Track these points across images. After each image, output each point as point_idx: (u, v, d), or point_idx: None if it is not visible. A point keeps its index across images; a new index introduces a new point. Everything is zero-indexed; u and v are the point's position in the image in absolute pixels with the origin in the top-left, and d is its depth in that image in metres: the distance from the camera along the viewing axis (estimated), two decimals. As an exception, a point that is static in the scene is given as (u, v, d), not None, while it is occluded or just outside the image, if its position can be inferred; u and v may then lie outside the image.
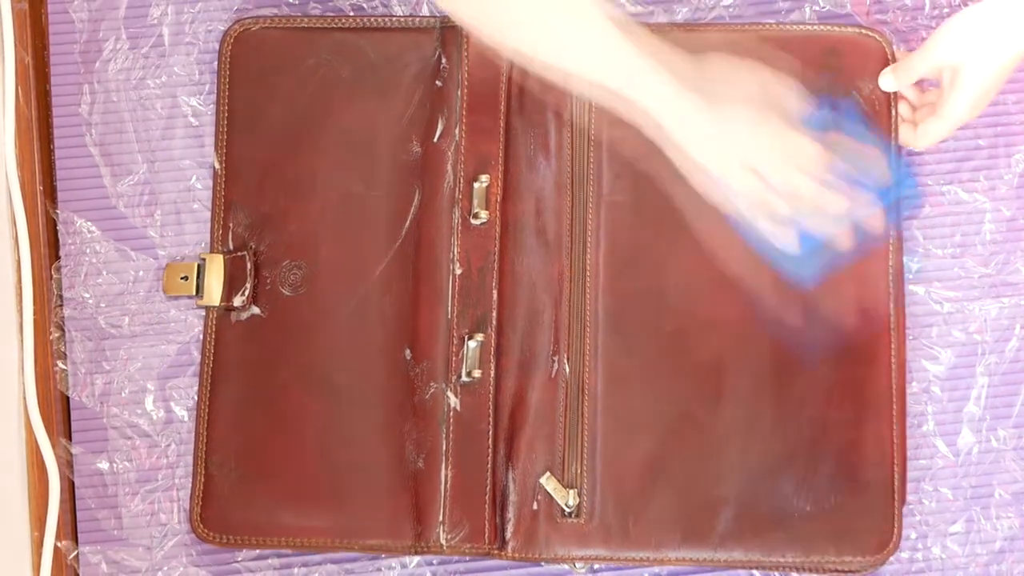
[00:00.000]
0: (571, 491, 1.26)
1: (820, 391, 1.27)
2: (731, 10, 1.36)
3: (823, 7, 1.35)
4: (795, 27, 1.33)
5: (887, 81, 1.28)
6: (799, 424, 1.26)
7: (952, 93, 1.21)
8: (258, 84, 1.33)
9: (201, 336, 1.31)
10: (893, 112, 1.30)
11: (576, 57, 1.14)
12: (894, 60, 1.30)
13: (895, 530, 1.24)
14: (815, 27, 1.33)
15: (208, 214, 1.33)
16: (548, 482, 1.26)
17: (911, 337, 1.30)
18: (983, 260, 1.32)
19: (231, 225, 1.31)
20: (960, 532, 1.28)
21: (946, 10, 1.35)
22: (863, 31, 1.31)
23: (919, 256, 1.31)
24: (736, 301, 1.27)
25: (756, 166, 1.16)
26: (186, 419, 1.31)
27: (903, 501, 1.25)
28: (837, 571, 1.25)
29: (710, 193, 1.18)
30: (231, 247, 1.31)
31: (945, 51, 1.21)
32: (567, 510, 1.26)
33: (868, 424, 1.25)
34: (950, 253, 1.32)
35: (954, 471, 1.29)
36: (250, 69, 1.33)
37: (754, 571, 1.26)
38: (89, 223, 1.33)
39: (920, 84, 1.29)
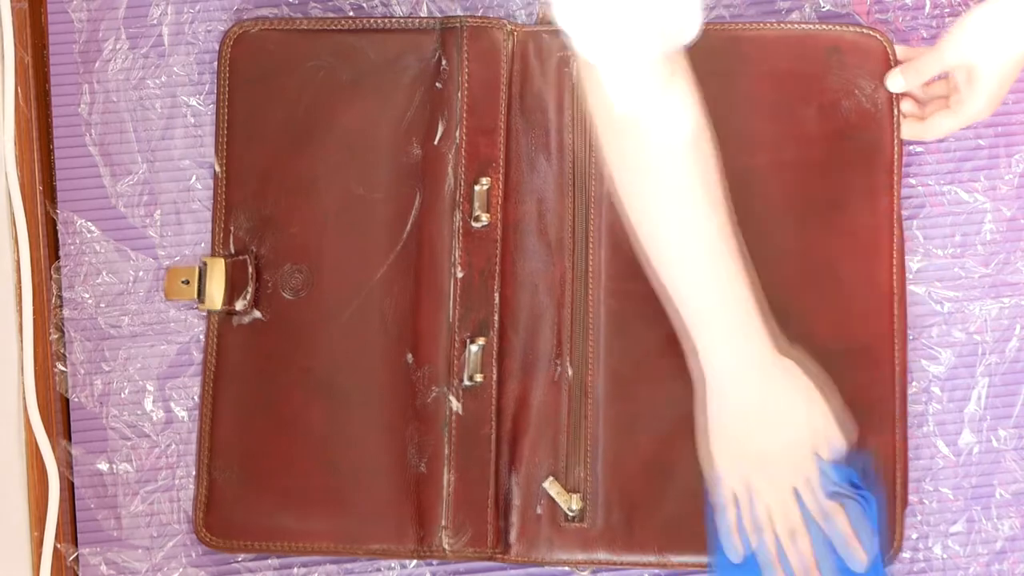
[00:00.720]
0: (574, 495, 1.26)
1: None
2: (731, 10, 1.35)
3: (824, 7, 1.35)
4: (796, 26, 1.33)
5: (895, 82, 1.28)
6: None
7: (970, 91, 1.21)
8: (258, 87, 1.33)
9: (201, 336, 1.31)
10: (895, 111, 1.29)
11: (685, 274, 1.16)
12: (895, 59, 1.30)
13: (897, 533, 1.24)
14: (815, 27, 1.33)
15: (208, 214, 1.33)
16: (551, 486, 1.26)
17: (911, 337, 1.30)
18: (983, 260, 1.32)
19: (232, 228, 1.31)
20: (961, 532, 1.28)
21: (947, 10, 1.35)
22: (864, 30, 1.31)
23: (919, 256, 1.31)
24: None
25: (754, 485, 1.17)
26: (186, 419, 1.30)
27: (905, 504, 1.25)
28: (840, 573, 1.25)
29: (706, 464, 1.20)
30: (232, 251, 1.31)
31: (959, 51, 1.21)
32: (570, 514, 1.26)
33: (870, 427, 1.25)
34: (950, 253, 1.32)
35: (955, 471, 1.29)
36: (250, 72, 1.33)
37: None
38: (89, 223, 1.33)
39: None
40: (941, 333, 1.31)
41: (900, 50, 1.30)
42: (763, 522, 1.17)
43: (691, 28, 1.06)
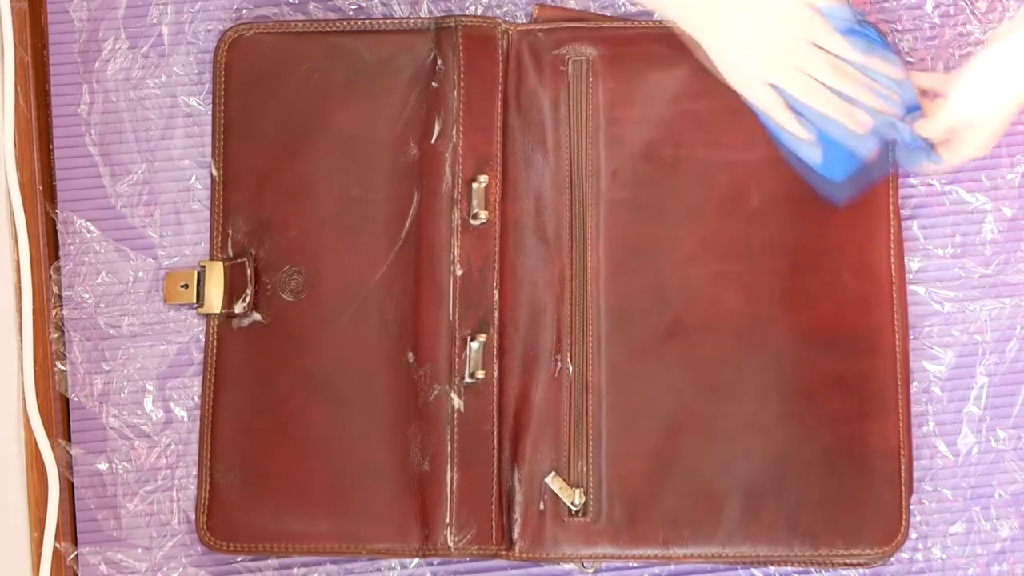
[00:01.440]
0: (577, 490, 1.26)
1: (825, 383, 1.27)
2: (730, 9, 1.35)
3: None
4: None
5: None
6: (804, 417, 1.26)
7: (969, 135, 1.21)
8: (254, 90, 1.33)
9: (200, 336, 1.31)
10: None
11: None
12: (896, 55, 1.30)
13: (903, 521, 1.25)
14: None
15: (208, 214, 1.33)
16: (554, 482, 1.26)
17: (912, 337, 1.29)
18: (984, 260, 1.32)
19: (230, 232, 1.31)
20: (960, 533, 1.28)
21: (950, 8, 1.34)
22: None
23: (920, 256, 1.31)
24: (738, 295, 1.27)
25: (777, 81, 1.20)
26: (186, 419, 1.30)
27: (911, 492, 1.25)
28: (845, 564, 1.26)
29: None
30: (231, 254, 1.31)
31: (964, 108, 1.21)
32: (574, 509, 1.26)
33: (874, 415, 1.26)
34: (951, 253, 1.32)
35: (954, 471, 1.29)
36: (246, 75, 1.33)
37: (762, 566, 1.26)
38: (88, 223, 1.33)
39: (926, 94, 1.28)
40: (941, 333, 1.31)
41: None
42: (809, 91, 1.21)
43: None
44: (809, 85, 1.21)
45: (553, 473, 1.27)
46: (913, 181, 1.32)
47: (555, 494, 1.26)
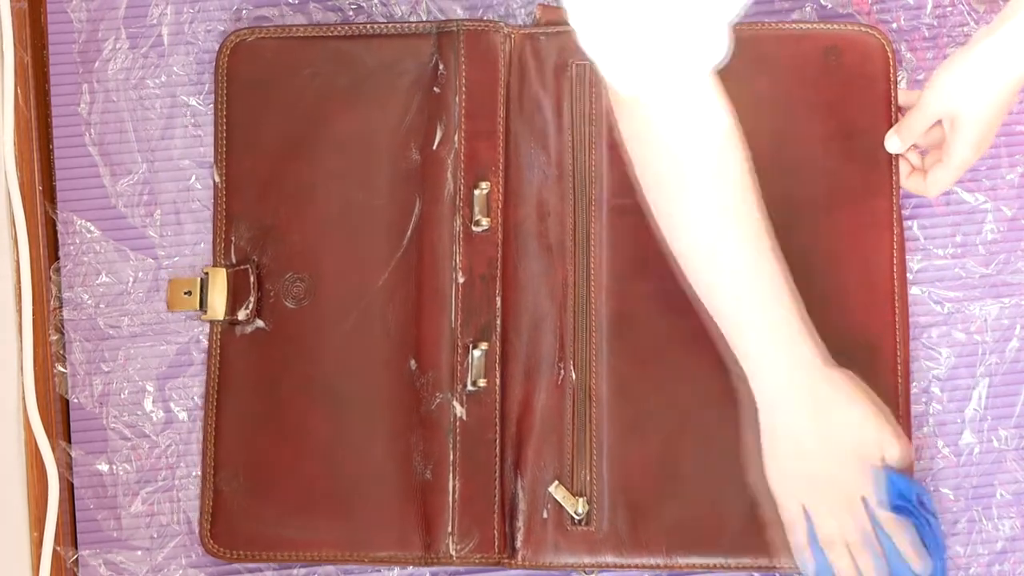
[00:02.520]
0: (580, 499, 1.26)
1: None
2: (731, 9, 1.35)
3: (825, 5, 1.35)
4: (795, 25, 1.33)
5: (892, 143, 1.28)
6: None
7: (954, 139, 1.20)
8: (255, 95, 1.32)
9: (200, 336, 1.31)
10: (894, 110, 1.30)
11: (724, 275, 1.16)
12: (894, 57, 1.30)
13: None
14: (814, 26, 1.33)
15: (208, 214, 1.32)
16: (557, 490, 1.26)
17: (911, 337, 1.29)
18: (984, 260, 1.32)
19: (233, 238, 1.31)
20: (962, 532, 1.28)
21: (949, 9, 1.34)
22: (863, 29, 1.31)
23: (919, 256, 1.31)
24: None
25: (809, 505, 1.17)
26: (186, 420, 1.30)
27: None
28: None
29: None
30: (234, 260, 1.30)
31: (941, 102, 1.21)
32: (576, 517, 1.26)
33: None
34: (951, 253, 1.32)
35: (955, 471, 1.29)
36: (247, 80, 1.32)
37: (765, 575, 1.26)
38: (88, 223, 1.32)
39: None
40: (941, 333, 1.31)
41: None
42: (830, 539, 1.17)
43: (720, 49, 1.07)
44: (834, 531, 1.17)
45: (556, 482, 1.26)
46: (913, 181, 1.32)
47: (558, 502, 1.26)
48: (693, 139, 1.11)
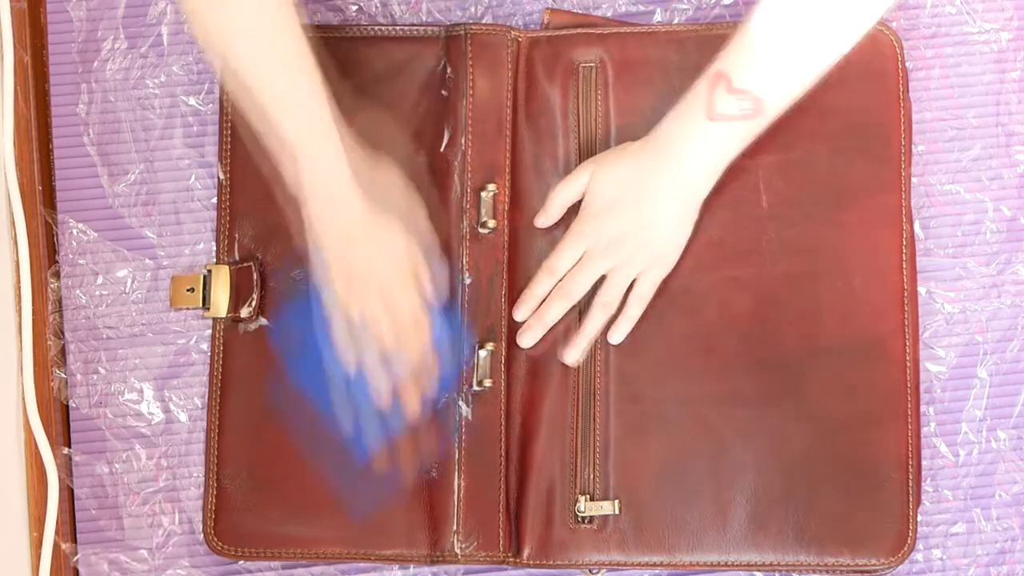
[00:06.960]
0: (584, 497, 1.26)
1: (834, 390, 1.27)
2: (731, 9, 1.35)
3: (825, 5, 1.35)
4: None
5: (541, 222, 1.30)
6: (813, 425, 1.26)
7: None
8: None
9: (199, 337, 1.31)
10: (902, 105, 1.30)
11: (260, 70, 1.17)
12: (902, 53, 1.30)
13: (910, 532, 1.25)
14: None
15: (207, 214, 1.32)
16: (588, 508, 1.26)
17: (912, 337, 1.30)
18: (984, 260, 1.32)
19: (237, 236, 1.30)
20: (961, 533, 1.29)
21: (948, 8, 1.34)
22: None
23: (920, 256, 1.31)
24: (747, 300, 1.27)
25: (367, 313, 1.19)
26: (185, 420, 1.30)
27: (918, 502, 1.26)
28: (851, 573, 1.26)
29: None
30: (237, 257, 1.30)
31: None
32: (581, 516, 1.26)
33: (883, 424, 1.26)
34: (951, 253, 1.32)
35: (954, 472, 1.30)
36: None
37: (768, 574, 1.27)
38: (87, 225, 1.32)
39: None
40: (941, 333, 1.31)
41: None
42: (368, 340, 1.20)
43: None
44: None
45: (561, 479, 1.26)
46: (914, 180, 1.32)
47: (562, 502, 1.26)
48: None
